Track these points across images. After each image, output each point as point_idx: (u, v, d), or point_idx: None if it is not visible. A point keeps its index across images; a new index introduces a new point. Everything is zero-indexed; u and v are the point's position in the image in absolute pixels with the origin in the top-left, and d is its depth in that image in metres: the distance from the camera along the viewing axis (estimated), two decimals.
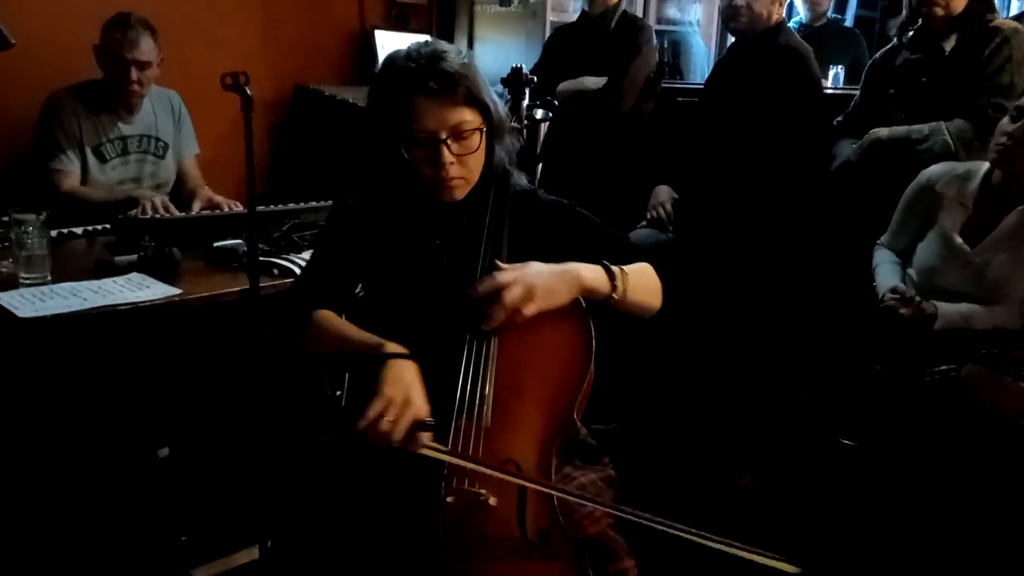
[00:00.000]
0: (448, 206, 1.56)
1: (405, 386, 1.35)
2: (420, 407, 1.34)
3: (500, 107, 1.57)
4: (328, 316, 1.55)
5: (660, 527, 1.30)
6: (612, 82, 3.39)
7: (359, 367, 1.45)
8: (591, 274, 1.48)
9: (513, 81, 1.76)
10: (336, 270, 1.63)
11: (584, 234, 1.62)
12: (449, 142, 1.47)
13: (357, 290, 1.65)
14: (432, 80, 1.45)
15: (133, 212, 2.45)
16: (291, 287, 1.75)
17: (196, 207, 2.74)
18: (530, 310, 1.41)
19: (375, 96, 1.55)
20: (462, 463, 1.35)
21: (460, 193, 1.54)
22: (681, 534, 1.29)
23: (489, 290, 1.41)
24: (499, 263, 1.45)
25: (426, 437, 1.33)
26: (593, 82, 3.43)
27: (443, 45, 1.52)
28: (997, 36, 2.57)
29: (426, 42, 1.53)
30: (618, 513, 1.38)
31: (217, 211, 2.66)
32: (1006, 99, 2.48)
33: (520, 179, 1.66)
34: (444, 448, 1.35)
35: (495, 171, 1.59)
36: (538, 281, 1.42)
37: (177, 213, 2.55)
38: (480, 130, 1.51)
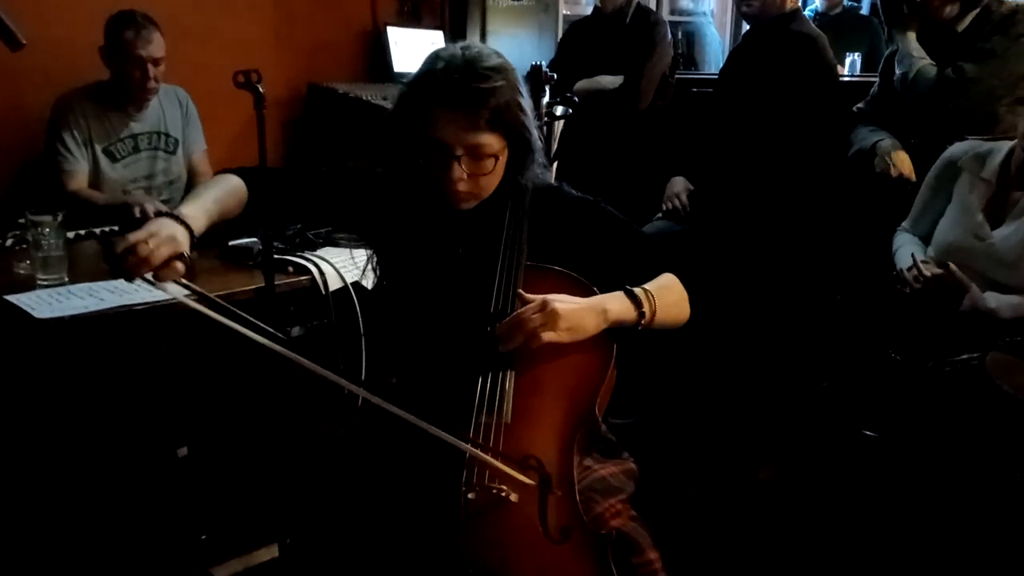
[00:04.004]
0: (462, 210, 1.54)
1: (171, 229, 1.33)
2: (183, 244, 1.33)
3: (534, 136, 1.50)
4: (227, 180, 1.53)
5: None
6: (629, 82, 3.36)
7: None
8: (617, 306, 1.42)
9: (532, 78, 1.77)
10: (312, 187, 1.62)
11: (609, 233, 1.59)
12: (463, 159, 1.44)
13: (375, 281, 1.64)
14: (459, 95, 1.41)
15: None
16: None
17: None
18: (548, 337, 1.36)
19: (404, 93, 1.51)
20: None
21: (467, 206, 1.52)
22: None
23: (511, 325, 1.37)
24: (523, 293, 1.40)
25: (181, 267, 1.32)
26: (609, 81, 3.40)
27: (488, 59, 1.45)
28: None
29: (474, 50, 1.46)
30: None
31: None
32: None
33: (546, 175, 1.63)
34: (198, 288, 1.37)
35: (513, 189, 1.54)
36: (561, 309, 1.36)
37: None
38: (497, 156, 1.46)
